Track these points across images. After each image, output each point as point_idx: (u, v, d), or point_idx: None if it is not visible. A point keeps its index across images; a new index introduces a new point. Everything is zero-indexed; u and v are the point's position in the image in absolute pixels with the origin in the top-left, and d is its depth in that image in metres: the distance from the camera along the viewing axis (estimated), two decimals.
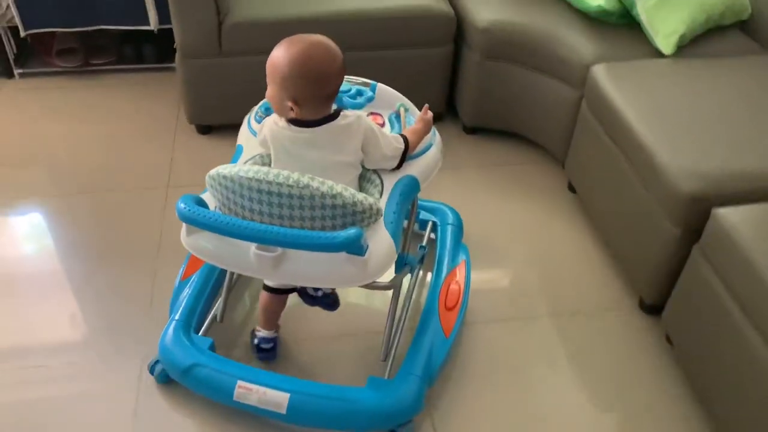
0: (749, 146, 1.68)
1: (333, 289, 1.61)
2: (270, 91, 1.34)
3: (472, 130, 2.49)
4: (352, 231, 1.21)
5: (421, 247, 1.88)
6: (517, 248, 2.07)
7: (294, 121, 1.35)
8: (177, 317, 1.62)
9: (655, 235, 1.70)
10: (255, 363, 1.65)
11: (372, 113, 1.63)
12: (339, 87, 1.37)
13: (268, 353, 1.66)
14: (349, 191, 1.24)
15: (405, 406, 1.50)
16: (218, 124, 2.43)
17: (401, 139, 1.46)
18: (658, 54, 2.05)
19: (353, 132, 1.37)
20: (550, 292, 1.92)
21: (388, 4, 2.25)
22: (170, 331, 1.60)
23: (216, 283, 1.75)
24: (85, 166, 2.30)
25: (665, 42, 2.03)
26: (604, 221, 2.01)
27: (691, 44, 2.07)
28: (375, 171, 1.45)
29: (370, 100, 1.66)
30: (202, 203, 1.30)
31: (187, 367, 1.52)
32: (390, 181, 1.43)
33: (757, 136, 1.71)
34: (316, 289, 1.59)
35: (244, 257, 1.29)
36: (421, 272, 1.90)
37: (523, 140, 2.42)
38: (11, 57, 2.64)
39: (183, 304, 1.66)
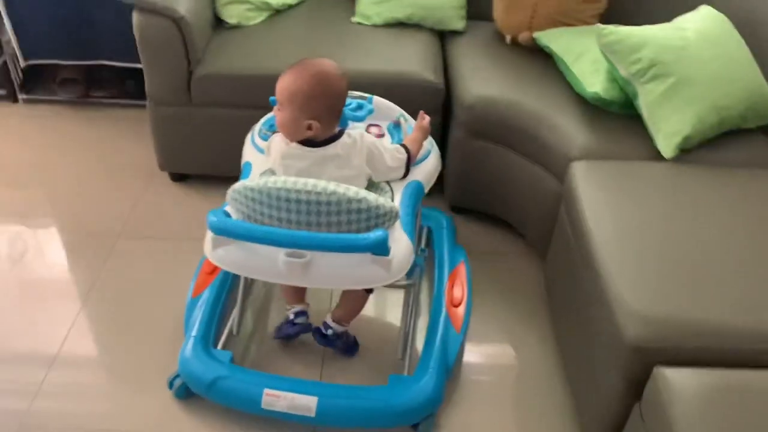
0: (727, 291, 1.37)
1: (345, 330, 1.69)
2: (284, 116, 1.43)
3: (457, 210, 2.26)
4: (380, 232, 1.30)
5: (422, 249, 1.94)
6: (480, 357, 1.83)
7: (304, 142, 1.44)
8: (194, 333, 1.66)
9: (604, 382, 1.42)
10: (276, 370, 1.67)
11: (371, 125, 1.72)
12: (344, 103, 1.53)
13: (304, 326, 1.69)
14: (372, 195, 1.33)
15: (428, 400, 1.56)
16: (189, 172, 2.33)
17: (402, 150, 1.56)
18: (658, 155, 1.77)
19: (358, 148, 1.47)
20: (505, 423, 1.66)
21: (370, 67, 2.08)
22: (189, 347, 1.63)
23: (227, 297, 1.81)
24: (59, 197, 2.29)
25: (666, 143, 1.74)
26: (567, 345, 1.73)
27: (700, 148, 1.77)
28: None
29: (371, 112, 1.73)
30: (229, 216, 1.38)
31: (212, 381, 1.56)
32: (398, 188, 1.55)
33: (742, 277, 1.40)
34: (327, 328, 1.67)
35: (272, 265, 1.34)
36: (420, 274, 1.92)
37: (508, 227, 2.17)
38: (16, 83, 2.67)
39: (198, 320, 1.69)
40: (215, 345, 1.69)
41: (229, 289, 1.82)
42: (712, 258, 1.45)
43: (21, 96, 2.70)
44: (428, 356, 1.63)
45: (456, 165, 2.15)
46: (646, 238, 1.50)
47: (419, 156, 1.63)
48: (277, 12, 2.34)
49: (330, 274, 1.36)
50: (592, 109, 1.91)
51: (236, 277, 1.82)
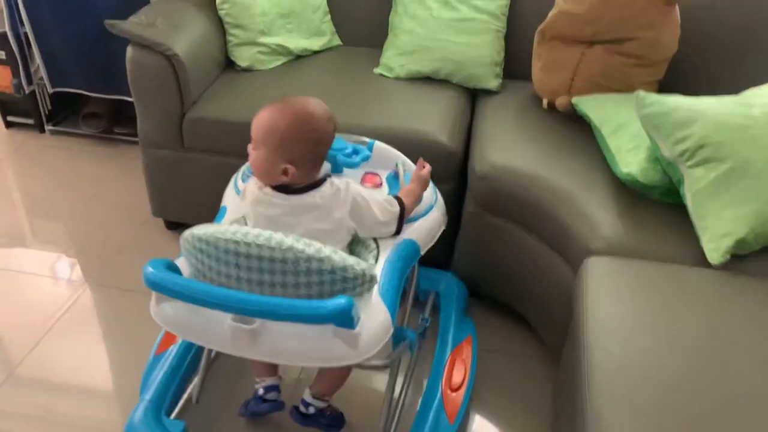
0: None
1: (328, 404, 1.45)
2: (258, 156, 1.27)
3: (470, 294, 1.94)
4: (342, 300, 1.07)
5: (423, 319, 1.71)
6: None
7: (280, 188, 1.28)
8: (148, 396, 1.46)
9: None
10: None
11: (368, 173, 1.55)
12: (329, 148, 1.35)
13: (275, 404, 1.46)
14: (339, 254, 1.12)
15: None
16: (182, 221, 2.15)
17: (395, 202, 1.36)
18: (703, 260, 1.39)
19: (341, 200, 1.29)
20: None
21: (377, 123, 1.81)
22: (139, 413, 1.43)
23: (194, 359, 1.58)
24: (58, 230, 2.21)
25: (713, 245, 1.37)
26: None
27: (759, 255, 1.38)
28: None
29: (366, 159, 1.55)
30: (173, 268, 1.17)
31: None
32: (387, 246, 1.32)
33: None
34: (307, 405, 1.43)
35: (218, 331, 1.14)
36: (421, 347, 1.68)
37: (524, 321, 1.82)
38: (44, 113, 2.63)
39: (156, 383, 1.50)
40: (169, 413, 1.48)
41: (198, 349, 1.59)
42: (744, 418, 1.06)
43: (48, 127, 2.66)
44: None
45: (467, 244, 1.84)
46: (660, 374, 1.12)
47: (419, 211, 1.44)
48: (298, 57, 2.16)
49: (283, 347, 1.14)
50: (628, 193, 1.56)
51: None
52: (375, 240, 1.35)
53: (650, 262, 1.39)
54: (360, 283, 1.15)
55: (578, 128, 1.80)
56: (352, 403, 1.56)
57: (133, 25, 1.84)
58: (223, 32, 2.07)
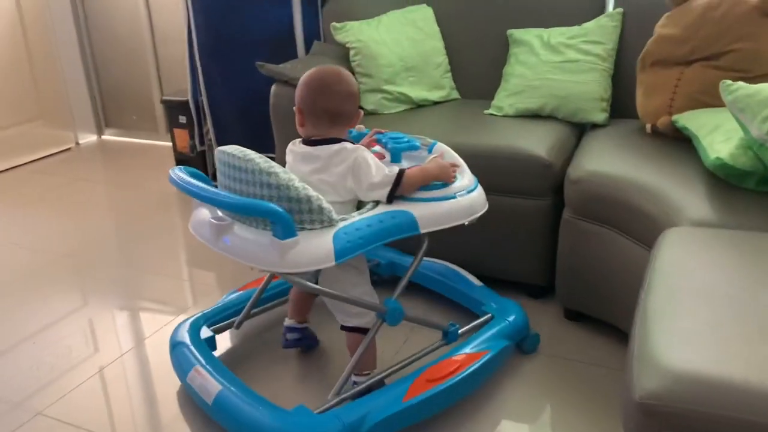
0: None
1: (369, 375, 1.56)
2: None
3: (573, 315, 1.90)
4: (268, 203, 1.24)
5: (452, 324, 1.67)
6: None
7: (304, 141, 1.47)
8: (204, 312, 1.79)
9: None
10: (233, 366, 1.60)
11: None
12: (346, 113, 1.45)
13: (294, 342, 1.73)
14: (289, 175, 1.28)
15: None
16: None
17: (396, 169, 1.42)
18: None
19: (344, 157, 1.40)
20: None
21: (477, 142, 1.95)
22: (189, 320, 1.74)
23: (260, 303, 1.83)
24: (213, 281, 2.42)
25: None
26: None
27: None
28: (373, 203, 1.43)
29: (414, 149, 1.60)
30: (197, 175, 1.44)
31: (173, 345, 1.68)
32: (379, 210, 1.41)
33: None
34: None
35: (207, 229, 1.39)
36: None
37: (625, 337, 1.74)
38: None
39: (215, 306, 1.83)
40: (211, 327, 1.75)
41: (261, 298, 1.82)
42: None
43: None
44: (348, 406, 1.43)
45: (563, 256, 1.84)
46: (719, 304, 1.08)
47: (436, 195, 1.46)
48: (419, 106, 2.39)
49: (235, 244, 1.34)
50: (723, 185, 1.53)
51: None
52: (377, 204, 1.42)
53: (732, 230, 1.34)
54: (307, 210, 1.27)
55: (678, 146, 1.80)
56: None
57: (277, 66, 2.20)
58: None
